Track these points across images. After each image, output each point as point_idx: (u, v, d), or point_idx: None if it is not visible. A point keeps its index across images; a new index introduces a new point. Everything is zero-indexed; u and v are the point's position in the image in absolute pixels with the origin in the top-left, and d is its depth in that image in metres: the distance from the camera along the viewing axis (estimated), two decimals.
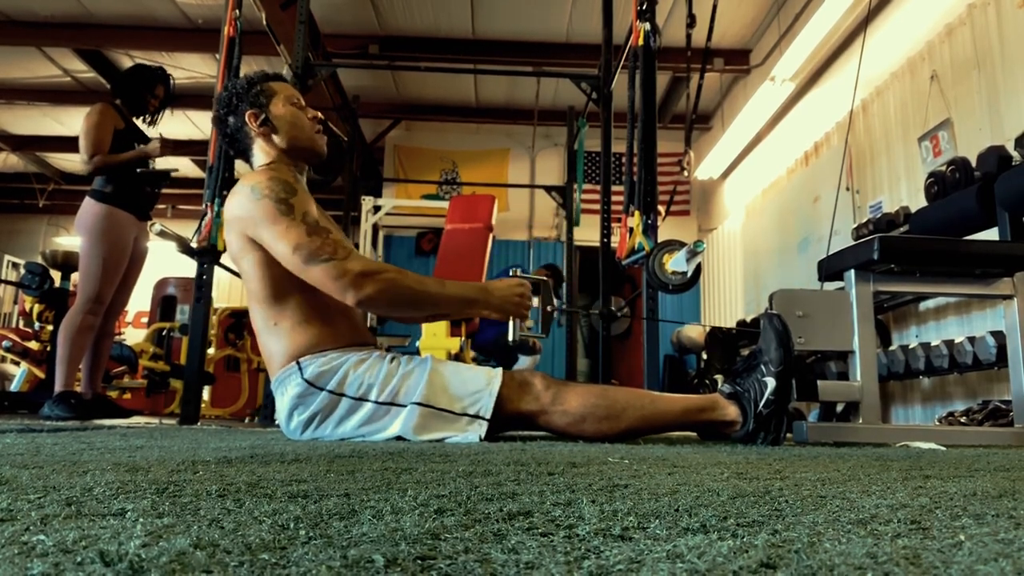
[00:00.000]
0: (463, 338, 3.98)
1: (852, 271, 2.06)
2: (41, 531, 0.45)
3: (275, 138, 1.86)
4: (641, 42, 2.93)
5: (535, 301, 1.88)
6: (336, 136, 5.60)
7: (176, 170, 3.61)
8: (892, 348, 4.02)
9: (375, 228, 7.68)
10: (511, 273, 1.95)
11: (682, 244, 2.49)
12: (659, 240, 2.66)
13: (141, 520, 0.49)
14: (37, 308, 4.94)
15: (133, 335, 8.74)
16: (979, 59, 3.94)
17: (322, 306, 1.75)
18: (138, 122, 3.51)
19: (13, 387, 5.23)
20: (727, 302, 7.89)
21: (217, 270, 3.20)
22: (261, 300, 1.73)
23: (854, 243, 2.18)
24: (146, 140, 3.42)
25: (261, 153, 1.87)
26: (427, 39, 7.13)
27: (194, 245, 3.08)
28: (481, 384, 1.68)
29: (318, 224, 1.68)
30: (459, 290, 1.77)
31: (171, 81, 3.59)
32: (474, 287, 1.80)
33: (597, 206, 4.56)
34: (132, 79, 3.48)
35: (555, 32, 6.96)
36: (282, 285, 1.72)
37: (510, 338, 1.88)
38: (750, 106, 6.39)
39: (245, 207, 1.69)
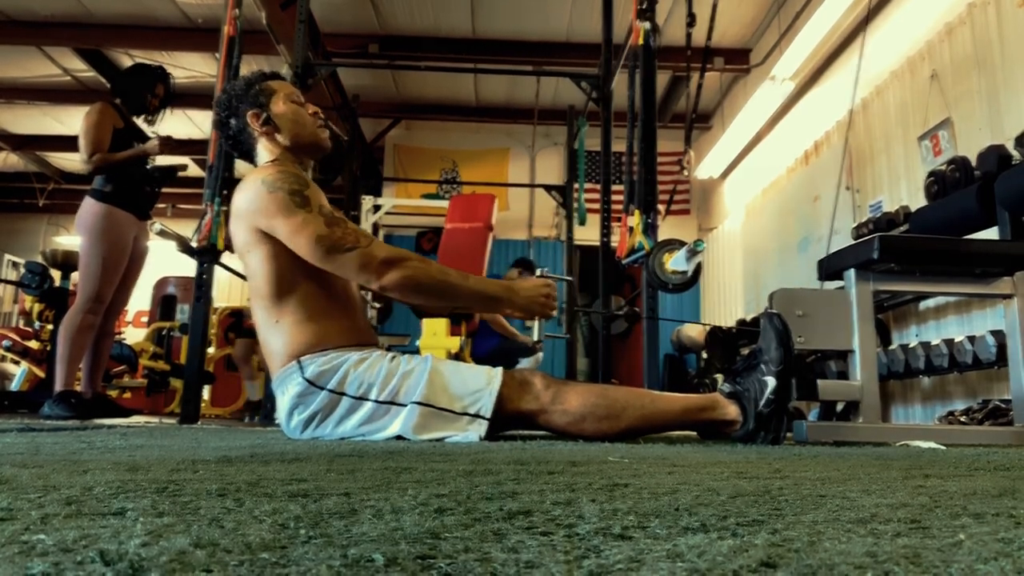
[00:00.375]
0: (463, 337, 3.98)
1: (852, 270, 2.07)
2: (41, 530, 0.45)
3: (278, 137, 1.87)
4: (641, 41, 2.93)
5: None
6: (336, 135, 5.61)
7: (185, 167, 3.60)
8: (892, 347, 4.02)
9: (375, 227, 7.68)
10: (539, 273, 1.96)
11: (682, 243, 2.49)
12: (659, 239, 2.66)
13: (141, 519, 0.49)
14: (37, 307, 4.95)
15: (133, 335, 8.74)
16: (979, 58, 3.94)
17: (324, 304, 1.75)
18: (138, 121, 3.51)
19: (13, 387, 5.24)
20: (727, 301, 7.89)
21: (217, 269, 3.20)
22: (264, 297, 1.73)
23: (854, 242, 2.18)
24: (146, 139, 3.42)
25: (265, 152, 1.88)
26: (427, 38, 7.13)
27: (194, 244, 3.08)
28: (481, 383, 1.68)
29: (334, 215, 1.70)
30: (482, 286, 1.79)
31: (171, 80, 3.59)
32: (499, 285, 1.82)
33: (597, 205, 4.56)
34: (132, 78, 3.48)
35: (555, 32, 6.96)
36: (286, 282, 1.72)
37: (535, 338, 1.89)
38: (750, 105, 6.39)
39: (257, 200, 1.69)
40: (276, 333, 1.73)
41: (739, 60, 7.16)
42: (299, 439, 1.68)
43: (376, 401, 1.66)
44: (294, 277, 1.72)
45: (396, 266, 1.67)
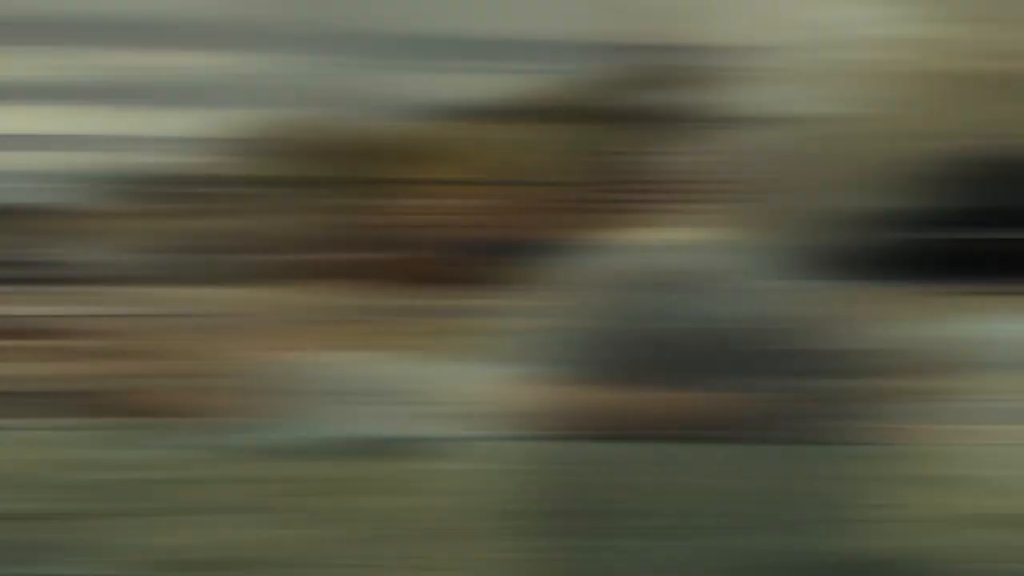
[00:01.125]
0: (463, 336, 3.98)
1: (858, 269, 2.05)
2: (45, 530, 0.45)
3: None
4: (643, 40, 2.92)
5: None
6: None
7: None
8: (894, 346, 4.00)
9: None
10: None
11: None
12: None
13: (144, 520, 0.49)
14: None
15: None
16: (990, 59, 3.91)
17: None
18: None
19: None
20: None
21: None
22: None
23: (863, 241, 2.17)
24: None
25: None
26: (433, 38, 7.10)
27: None
28: (478, 383, 1.68)
29: None
30: None
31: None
32: None
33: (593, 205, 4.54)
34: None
35: (555, 29, 6.94)
36: None
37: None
38: (753, 104, 6.37)
39: None
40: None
41: (740, 59, 7.14)
42: (299, 437, 1.68)
43: (370, 400, 1.66)
44: None
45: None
